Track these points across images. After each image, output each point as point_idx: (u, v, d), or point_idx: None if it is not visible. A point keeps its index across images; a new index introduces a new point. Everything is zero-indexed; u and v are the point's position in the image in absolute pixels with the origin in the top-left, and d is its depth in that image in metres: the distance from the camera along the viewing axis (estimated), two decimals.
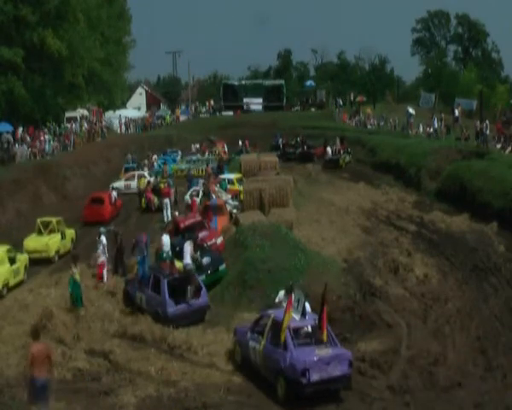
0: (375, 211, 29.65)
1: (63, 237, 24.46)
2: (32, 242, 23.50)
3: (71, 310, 17.54)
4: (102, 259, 20.24)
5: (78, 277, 18.13)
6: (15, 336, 15.93)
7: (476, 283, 19.96)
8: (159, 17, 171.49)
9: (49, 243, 23.49)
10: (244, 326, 15.25)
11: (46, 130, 42.46)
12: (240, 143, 46.98)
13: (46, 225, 24.11)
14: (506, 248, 22.44)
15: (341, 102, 65.18)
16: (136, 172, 36.26)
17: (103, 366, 14.80)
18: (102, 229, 21.65)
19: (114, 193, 31.23)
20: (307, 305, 14.31)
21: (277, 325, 13.59)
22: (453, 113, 43.86)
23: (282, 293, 15.90)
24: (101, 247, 20.76)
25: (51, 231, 23.98)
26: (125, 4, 63.37)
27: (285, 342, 13.16)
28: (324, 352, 13.08)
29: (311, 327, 13.89)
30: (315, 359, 12.88)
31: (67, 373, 14.38)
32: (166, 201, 28.46)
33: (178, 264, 18.99)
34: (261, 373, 14.07)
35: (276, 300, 15.84)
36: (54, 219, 24.48)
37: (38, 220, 24.27)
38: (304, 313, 13.80)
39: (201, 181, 31.65)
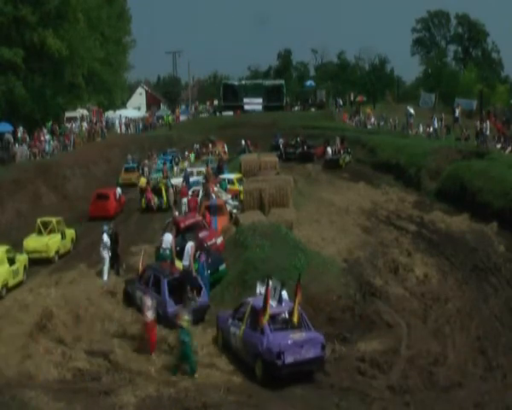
0: (375, 211, 29.65)
1: (63, 237, 24.45)
2: (32, 242, 23.45)
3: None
4: (151, 316, 15.58)
5: (187, 324, 14.25)
6: (15, 336, 15.89)
7: (476, 283, 19.95)
8: (159, 17, 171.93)
9: (49, 243, 23.45)
10: (225, 313, 16.05)
11: (46, 130, 42.46)
12: (243, 142, 46.97)
13: (46, 225, 24.07)
14: (506, 248, 22.42)
15: (341, 102, 65.24)
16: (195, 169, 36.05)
17: (103, 366, 14.79)
18: (105, 227, 21.65)
19: (119, 190, 31.75)
20: (284, 293, 15.17)
21: (255, 312, 14.48)
22: (453, 113, 43.90)
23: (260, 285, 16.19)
24: (104, 246, 20.86)
25: (51, 231, 23.93)
26: (125, 4, 63.43)
27: (262, 327, 14.00)
28: (298, 336, 13.99)
29: (287, 313, 14.72)
30: (289, 342, 13.79)
31: (67, 373, 14.38)
32: (184, 200, 27.84)
33: (179, 264, 19.00)
34: (241, 357, 14.82)
35: (257, 291, 16.05)
36: (54, 219, 24.45)
37: (38, 220, 24.24)
38: (280, 300, 14.73)
39: (201, 181, 31.66)
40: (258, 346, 14.00)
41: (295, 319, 14.24)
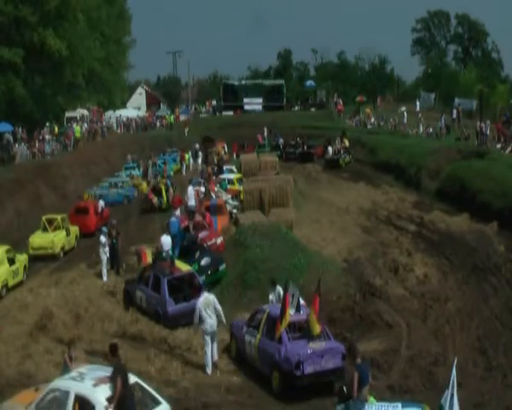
0: (375, 211, 29.64)
1: (68, 233, 24.72)
2: (38, 239, 23.73)
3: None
4: None
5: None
6: (15, 336, 15.92)
7: (476, 283, 19.93)
8: (159, 17, 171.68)
9: (55, 239, 23.71)
10: (240, 321, 15.52)
11: (46, 130, 42.45)
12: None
13: (51, 222, 24.35)
14: (506, 248, 22.39)
15: (341, 102, 65.20)
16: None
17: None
18: (104, 229, 21.72)
19: (101, 202, 28.97)
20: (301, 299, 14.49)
21: (272, 320, 13.88)
22: (451, 113, 44.08)
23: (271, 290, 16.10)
24: (102, 247, 20.87)
25: (56, 228, 24.22)
26: (124, 4, 63.55)
27: (280, 335, 13.41)
28: (318, 345, 13.35)
29: (305, 321, 14.02)
30: (308, 352, 13.17)
31: None
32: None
33: (178, 263, 19.01)
34: (256, 367, 14.30)
35: (270, 297, 15.94)
36: (59, 216, 24.78)
37: (43, 217, 24.57)
38: (298, 308, 14.09)
39: (202, 181, 31.66)
40: (275, 355, 13.37)
41: (316, 330, 13.43)
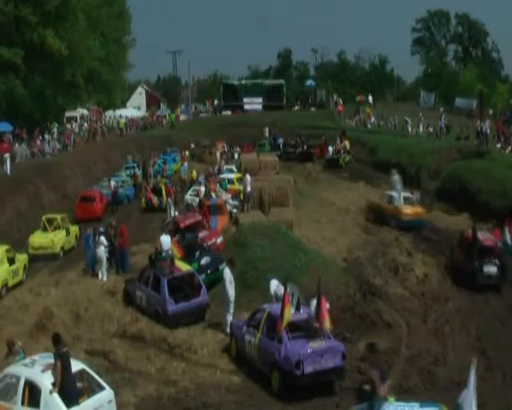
0: None
1: (68, 233, 24.77)
2: (38, 238, 23.78)
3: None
4: None
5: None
6: (15, 336, 15.88)
7: None
8: (159, 17, 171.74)
9: (55, 239, 23.77)
10: (240, 320, 15.54)
11: (46, 130, 42.48)
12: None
13: (51, 221, 24.41)
14: None
15: (341, 102, 65.19)
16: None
17: (103, 365, 14.78)
18: (102, 229, 21.71)
19: (113, 183, 32.39)
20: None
21: (272, 319, 13.86)
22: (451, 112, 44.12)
23: (273, 283, 16.10)
24: (102, 247, 20.83)
25: (56, 228, 24.29)
26: (124, 4, 63.54)
27: (280, 335, 13.39)
28: (318, 344, 13.34)
29: (305, 321, 14.02)
30: (309, 351, 13.14)
31: None
32: (169, 201, 28.39)
33: (178, 263, 19.00)
34: (256, 366, 14.28)
35: (272, 292, 15.91)
36: (59, 216, 24.87)
37: (43, 217, 24.61)
38: (298, 307, 14.10)
39: (203, 180, 31.65)
40: (275, 355, 13.31)
41: (327, 324, 13.48)
